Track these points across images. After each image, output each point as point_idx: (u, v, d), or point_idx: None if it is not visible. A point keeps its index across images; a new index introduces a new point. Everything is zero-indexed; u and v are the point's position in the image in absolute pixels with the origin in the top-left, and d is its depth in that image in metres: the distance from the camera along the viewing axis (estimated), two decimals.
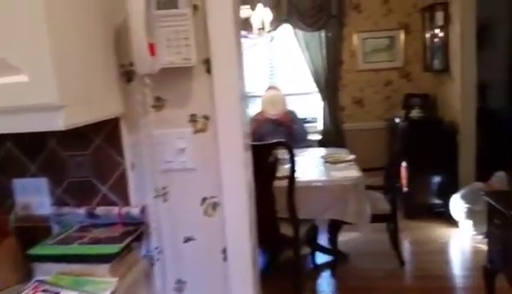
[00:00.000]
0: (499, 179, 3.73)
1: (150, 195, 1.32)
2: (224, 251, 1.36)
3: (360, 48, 5.11)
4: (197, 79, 1.28)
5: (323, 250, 3.47)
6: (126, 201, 1.37)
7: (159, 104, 1.30)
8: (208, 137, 1.31)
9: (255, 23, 3.47)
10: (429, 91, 4.87)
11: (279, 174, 2.76)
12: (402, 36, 5.00)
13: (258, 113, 4.25)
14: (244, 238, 1.34)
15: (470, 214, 3.74)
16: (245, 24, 4.09)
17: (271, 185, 2.70)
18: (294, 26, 5.03)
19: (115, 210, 1.35)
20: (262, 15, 3.46)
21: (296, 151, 3.70)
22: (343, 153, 3.52)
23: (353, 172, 2.96)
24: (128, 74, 1.29)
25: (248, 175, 1.40)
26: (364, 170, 3.48)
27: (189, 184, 1.33)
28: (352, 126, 5.24)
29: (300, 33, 5.06)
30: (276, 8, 4.94)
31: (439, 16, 4.47)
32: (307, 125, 5.21)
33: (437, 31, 4.53)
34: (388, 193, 3.30)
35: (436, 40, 4.57)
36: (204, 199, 1.34)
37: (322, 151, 3.86)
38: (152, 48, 1.18)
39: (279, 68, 5.37)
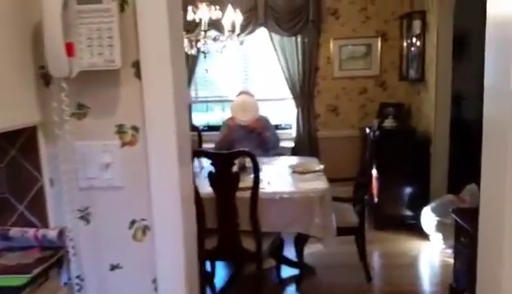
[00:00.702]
0: (470, 192, 3.66)
1: (70, 216, 1.16)
2: (155, 281, 1.20)
3: (336, 55, 5.02)
4: (125, 85, 1.13)
5: (289, 263, 3.33)
6: (45, 222, 1.20)
7: (80, 111, 1.14)
8: (137, 151, 1.16)
9: (225, 25, 3.32)
10: (404, 101, 4.81)
11: (242, 184, 2.62)
12: (379, 44, 4.92)
13: (229, 119, 4.10)
14: (178, 266, 1.19)
15: (440, 227, 3.66)
16: (217, 26, 3.96)
17: (233, 197, 2.57)
18: (271, 30, 4.90)
19: (31, 232, 1.19)
20: (232, 16, 3.31)
21: (265, 160, 3.63)
22: (313, 163, 3.40)
23: (320, 183, 2.83)
24: (45, 77, 1.13)
25: (186, 194, 1.24)
26: (334, 180, 3.39)
27: (115, 205, 1.18)
28: (326, 134, 5.14)
29: (276, 37, 4.93)
30: (252, 11, 4.82)
31: (416, 25, 4.40)
32: (280, 132, 5.11)
33: (414, 40, 4.46)
34: (357, 205, 3.19)
35: (413, 49, 4.50)
36: (133, 222, 1.19)
37: (292, 160, 3.73)
38: (70, 48, 1.03)
39: (253, 72, 5.24)
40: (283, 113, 5.30)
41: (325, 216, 2.64)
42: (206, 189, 2.56)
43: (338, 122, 5.15)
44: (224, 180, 2.55)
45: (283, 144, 4.87)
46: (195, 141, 4.50)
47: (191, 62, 4.97)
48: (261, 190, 2.67)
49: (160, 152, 1.15)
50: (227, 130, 4.10)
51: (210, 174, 2.54)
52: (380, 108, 4.83)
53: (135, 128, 1.15)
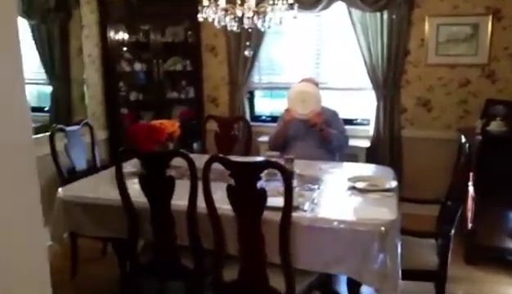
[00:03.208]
0: None
1: None
2: None
3: (433, 36, 4.03)
4: None
5: None
6: None
7: None
8: None
9: None
10: None
11: (272, 202, 1.95)
12: (490, 24, 3.84)
13: (286, 111, 3.41)
14: None
15: None
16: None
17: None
18: (350, 4, 4.06)
19: None
20: None
21: (324, 166, 2.89)
22: (385, 176, 2.58)
23: (386, 211, 2.05)
24: None
25: None
26: (413, 201, 2.58)
27: None
28: (413, 133, 4.21)
29: (357, 13, 4.09)
30: None
31: None
32: (355, 128, 4.32)
33: None
34: (440, 239, 2.33)
35: None
36: None
37: (358, 169, 2.94)
38: None
39: (327, 56, 4.44)
40: (361, 105, 4.46)
41: (385, 259, 1.87)
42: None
43: (429, 120, 4.19)
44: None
45: (357, 143, 4.09)
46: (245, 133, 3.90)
47: (255, 41, 4.34)
48: (299, 214, 1.99)
49: None
50: (283, 124, 3.41)
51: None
52: (486, 106, 3.79)
53: None
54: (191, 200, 2.03)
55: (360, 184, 2.40)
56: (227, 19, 2.43)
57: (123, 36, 4.39)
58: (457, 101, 4.07)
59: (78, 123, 3.26)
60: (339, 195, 2.30)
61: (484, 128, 3.56)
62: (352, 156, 4.02)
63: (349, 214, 2.04)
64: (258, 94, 4.84)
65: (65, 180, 2.87)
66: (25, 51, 3.79)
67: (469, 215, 3.27)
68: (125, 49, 4.46)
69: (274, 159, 2.74)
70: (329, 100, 3.83)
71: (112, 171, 2.34)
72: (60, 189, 2.44)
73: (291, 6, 2.50)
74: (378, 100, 4.20)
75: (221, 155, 1.89)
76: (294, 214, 1.95)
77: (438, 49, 4.05)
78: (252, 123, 4.58)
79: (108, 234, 2.38)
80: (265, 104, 4.88)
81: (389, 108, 4.18)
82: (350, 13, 4.09)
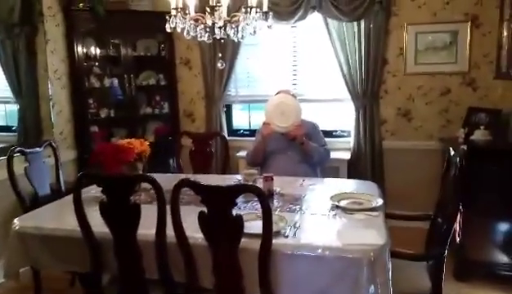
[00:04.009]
0: None
1: None
2: None
3: (411, 45, 3.95)
4: None
5: None
6: None
7: None
8: None
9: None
10: (502, 106, 3.62)
11: (252, 229, 1.77)
12: (469, 30, 3.78)
13: (263, 125, 3.24)
14: None
15: None
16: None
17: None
18: (326, 14, 3.96)
19: None
20: None
21: (306, 182, 2.73)
22: (369, 193, 2.43)
23: (375, 234, 1.88)
24: None
25: None
26: (400, 218, 2.45)
27: None
28: (394, 144, 4.11)
29: (333, 23, 3.98)
30: None
31: None
32: (335, 140, 4.19)
33: None
34: (431, 260, 2.19)
35: None
36: None
37: (341, 184, 2.78)
38: None
39: (304, 67, 4.31)
40: (340, 117, 4.34)
41: (377, 289, 1.70)
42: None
43: (410, 130, 4.09)
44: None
45: (338, 155, 3.95)
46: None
47: (230, 53, 4.18)
48: (280, 241, 1.81)
49: None
50: (261, 139, 3.24)
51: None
52: (468, 114, 3.72)
53: None
54: (159, 229, 1.83)
55: (344, 203, 2.24)
56: (198, 29, 2.26)
57: (91, 50, 4.17)
58: (438, 110, 3.99)
59: (40, 145, 3.01)
60: (322, 216, 2.13)
61: (467, 137, 3.48)
62: (334, 169, 3.89)
63: (335, 239, 1.88)
64: (235, 107, 4.68)
65: (26, 207, 2.63)
66: None
67: (457, 228, 3.14)
68: (94, 64, 4.24)
69: (254, 177, 2.61)
70: (307, 112, 3.69)
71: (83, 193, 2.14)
72: (15, 220, 2.20)
73: (265, 15, 2.34)
74: (357, 111, 4.08)
75: (191, 179, 1.70)
76: (275, 241, 1.78)
77: (417, 57, 3.97)
78: (230, 138, 4.42)
79: (69, 269, 2.15)
80: (243, 118, 4.72)
81: (369, 119, 4.06)
82: (327, 23, 3.98)
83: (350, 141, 4.18)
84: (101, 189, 1.85)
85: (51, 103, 3.83)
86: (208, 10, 2.17)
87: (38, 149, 2.94)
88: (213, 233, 1.71)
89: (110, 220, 1.89)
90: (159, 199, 1.80)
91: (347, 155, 4.08)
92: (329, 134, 4.23)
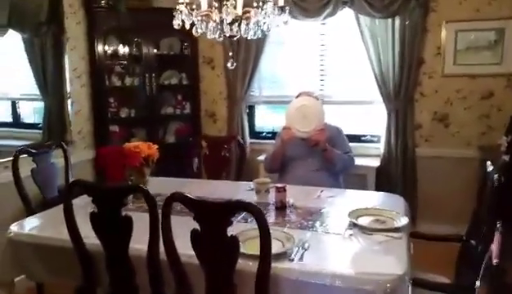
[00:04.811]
0: None
1: None
2: None
3: (450, 44, 3.63)
4: None
5: None
6: None
7: None
8: None
9: None
10: None
11: (250, 249, 1.57)
12: None
13: (284, 129, 3.02)
14: None
15: None
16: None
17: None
18: (358, 10, 3.69)
19: None
20: None
21: (324, 194, 2.50)
22: (392, 210, 2.16)
23: (393, 263, 1.63)
24: None
25: None
26: (430, 238, 2.18)
27: None
28: (428, 151, 3.79)
29: (365, 20, 3.70)
30: None
31: None
32: (364, 145, 3.92)
33: None
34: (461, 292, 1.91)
35: None
36: None
37: (361, 197, 2.52)
38: None
39: (332, 67, 4.05)
40: (370, 120, 4.06)
41: None
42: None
43: (447, 136, 3.76)
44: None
45: (366, 162, 3.69)
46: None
47: (254, 52, 3.99)
48: (285, 265, 1.60)
49: None
50: (280, 144, 3.03)
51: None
52: None
53: None
54: (152, 245, 1.66)
55: (363, 221, 1.99)
56: (209, 26, 2.07)
57: (112, 48, 4.08)
58: (478, 116, 3.64)
59: (49, 146, 2.92)
60: (336, 236, 1.89)
61: (511, 146, 3.13)
62: (361, 177, 3.62)
63: (347, 265, 1.64)
64: (259, 108, 4.47)
65: (32, 211, 2.53)
66: (20, 65, 3.61)
67: (495, 248, 2.81)
68: (116, 62, 4.15)
69: (266, 187, 2.40)
70: (332, 116, 3.46)
71: (82, 199, 2.01)
72: (12, 226, 2.09)
73: (282, 10, 2.13)
74: (389, 115, 3.79)
75: (183, 192, 1.51)
76: (278, 264, 1.57)
77: (457, 58, 3.64)
78: (252, 140, 4.25)
79: (62, 281, 2.01)
80: (267, 120, 4.51)
81: (402, 123, 3.76)
82: (358, 20, 3.71)
83: (380, 147, 3.90)
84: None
85: (69, 101, 3.77)
86: (215, 4, 1.97)
87: (46, 149, 2.85)
88: (205, 253, 1.52)
89: (100, 232, 1.74)
90: (151, 213, 1.62)
91: (376, 162, 3.79)
92: (357, 139, 3.97)
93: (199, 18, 2.05)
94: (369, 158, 3.79)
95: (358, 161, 3.26)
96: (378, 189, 3.59)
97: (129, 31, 4.10)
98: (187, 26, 2.13)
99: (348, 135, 3.21)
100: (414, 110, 3.79)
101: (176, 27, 2.13)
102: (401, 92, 3.71)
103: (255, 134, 4.42)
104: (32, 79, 3.75)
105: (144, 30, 4.08)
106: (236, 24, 2.03)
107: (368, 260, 1.68)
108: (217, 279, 1.53)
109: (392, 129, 3.78)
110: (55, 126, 3.85)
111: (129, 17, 3.91)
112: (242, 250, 1.59)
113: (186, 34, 4.09)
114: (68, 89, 3.76)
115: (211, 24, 2.12)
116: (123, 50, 4.13)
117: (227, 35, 2.06)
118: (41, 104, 3.88)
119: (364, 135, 4.04)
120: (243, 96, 4.16)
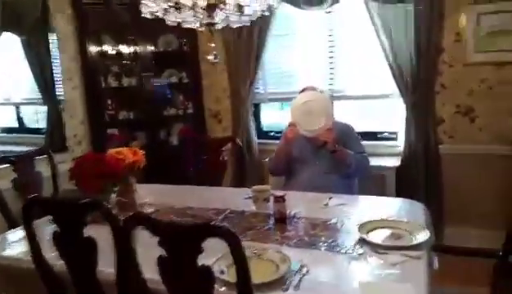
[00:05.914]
0: None
1: None
2: None
3: (472, 29, 3.24)
4: None
5: None
6: None
7: None
8: None
9: None
10: None
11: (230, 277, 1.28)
12: None
13: (288, 127, 2.71)
14: None
15: None
16: None
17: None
18: None
19: None
20: None
21: (333, 202, 2.19)
22: (412, 222, 1.83)
23: (408, 292, 1.32)
24: None
25: None
26: (459, 253, 1.87)
27: None
28: (453, 148, 3.42)
29: (375, 5, 3.36)
30: None
31: None
32: (382, 143, 3.59)
33: None
34: None
35: None
36: None
37: (376, 204, 2.20)
38: None
39: (341, 58, 3.72)
40: (387, 116, 3.71)
41: None
42: None
43: (473, 131, 3.38)
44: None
45: (384, 161, 3.39)
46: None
47: (256, 44, 3.71)
48: None
49: None
50: (284, 143, 2.73)
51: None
52: None
53: None
54: (119, 273, 1.39)
55: (376, 236, 1.68)
56: (183, 12, 1.79)
57: (106, 47, 3.85)
58: (508, 108, 3.26)
59: (32, 153, 2.70)
60: (343, 257, 1.58)
61: None
62: (379, 178, 3.29)
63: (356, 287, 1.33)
64: (267, 106, 4.18)
65: (14, 226, 2.32)
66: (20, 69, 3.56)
67: None
68: (111, 62, 3.92)
69: (265, 195, 2.12)
70: (347, 112, 3.14)
71: None
72: None
73: None
74: (407, 110, 3.44)
75: (145, 213, 1.24)
76: None
77: (480, 44, 3.26)
78: (259, 140, 3.97)
79: None
80: (275, 118, 4.21)
81: (422, 118, 3.41)
82: (368, 6, 3.37)
83: (399, 145, 3.55)
84: None
85: (61, 104, 3.58)
86: None
87: (28, 158, 2.63)
88: (175, 284, 1.23)
89: (65, 254, 1.49)
90: (115, 237, 1.35)
91: (395, 162, 3.45)
92: (373, 136, 3.64)
93: (168, 5, 1.77)
94: (387, 158, 3.46)
95: (375, 161, 2.97)
96: (398, 191, 3.27)
97: (123, 28, 3.85)
98: (160, 14, 1.86)
99: (363, 133, 2.91)
100: (434, 104, 3.44)
101: (146, 15, 1.88)
102: (418, 83, 3.36)
103: (263, 134, 4.12)
104: (33, 82, 3.71)
105: (139, 27, 3.83)
106: (218, 10, 1.74)
107: (378, 289, 1.36)
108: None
109: (411, 125, 3.42)
110: (56, 130, 3.72)
111: (122, 13, 3.67)
112: (225, 277, 1.31)
113: (183, 30, 3.92)
114: (59, 92, 3.56)
115: (183, 11, 1.85)
116: (118, 48, 3.90)
117: (204, 22, 1.78)
118: (44, 109, 3.77)
119: (380, 133, 3.70)
120: (247, 93, 3.87)
